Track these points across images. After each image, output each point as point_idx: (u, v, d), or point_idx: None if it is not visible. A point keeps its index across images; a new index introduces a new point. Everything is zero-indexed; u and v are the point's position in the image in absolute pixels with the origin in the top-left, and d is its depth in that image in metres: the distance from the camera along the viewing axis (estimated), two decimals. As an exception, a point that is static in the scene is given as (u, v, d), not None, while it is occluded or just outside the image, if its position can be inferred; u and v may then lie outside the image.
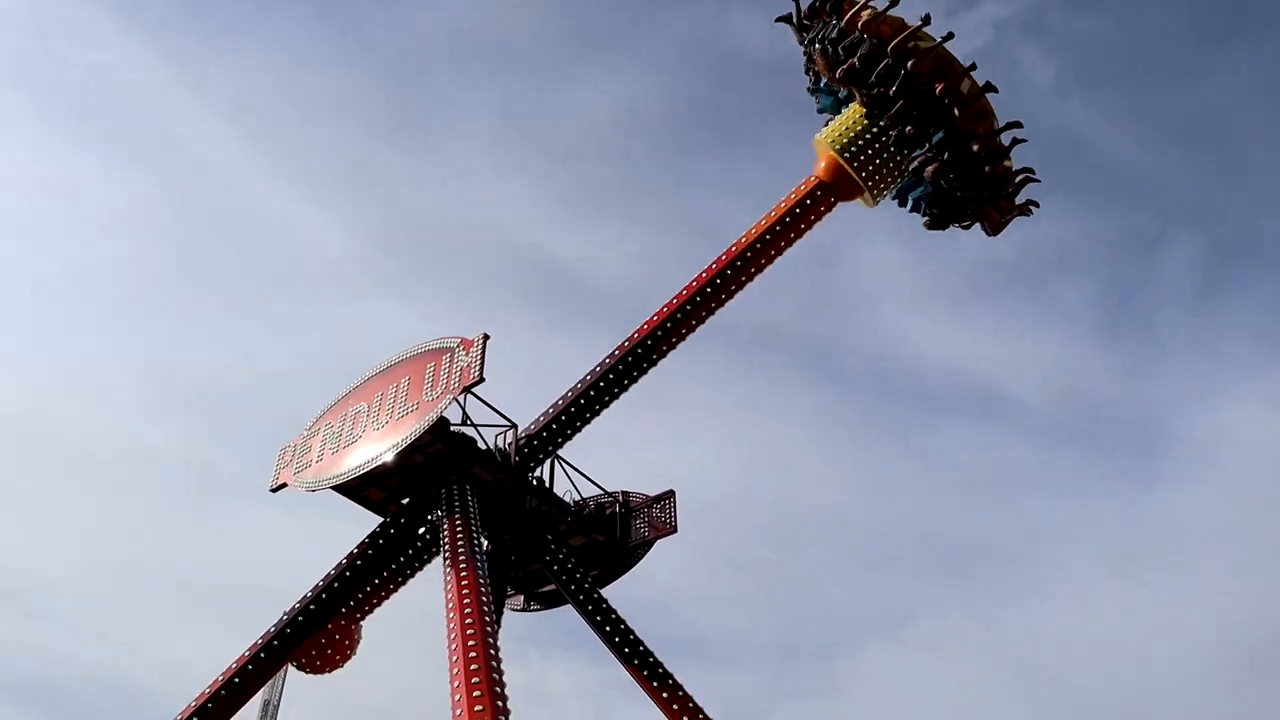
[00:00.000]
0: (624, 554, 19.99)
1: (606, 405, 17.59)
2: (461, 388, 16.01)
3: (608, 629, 16.68)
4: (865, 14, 16.44)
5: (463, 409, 17.58)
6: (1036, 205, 18.18)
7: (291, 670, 18.01)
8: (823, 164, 17.57)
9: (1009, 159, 17.22)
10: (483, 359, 15.96)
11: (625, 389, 17.53)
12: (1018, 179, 17.59)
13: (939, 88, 15.97)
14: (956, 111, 16.14)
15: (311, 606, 15.91)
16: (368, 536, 16.91)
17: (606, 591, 18.07)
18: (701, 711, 15.63)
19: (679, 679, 15.96)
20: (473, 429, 17.63)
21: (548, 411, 17.75)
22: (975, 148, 16.32)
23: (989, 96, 16.57)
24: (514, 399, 18.39)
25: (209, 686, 15.26)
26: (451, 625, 12.48)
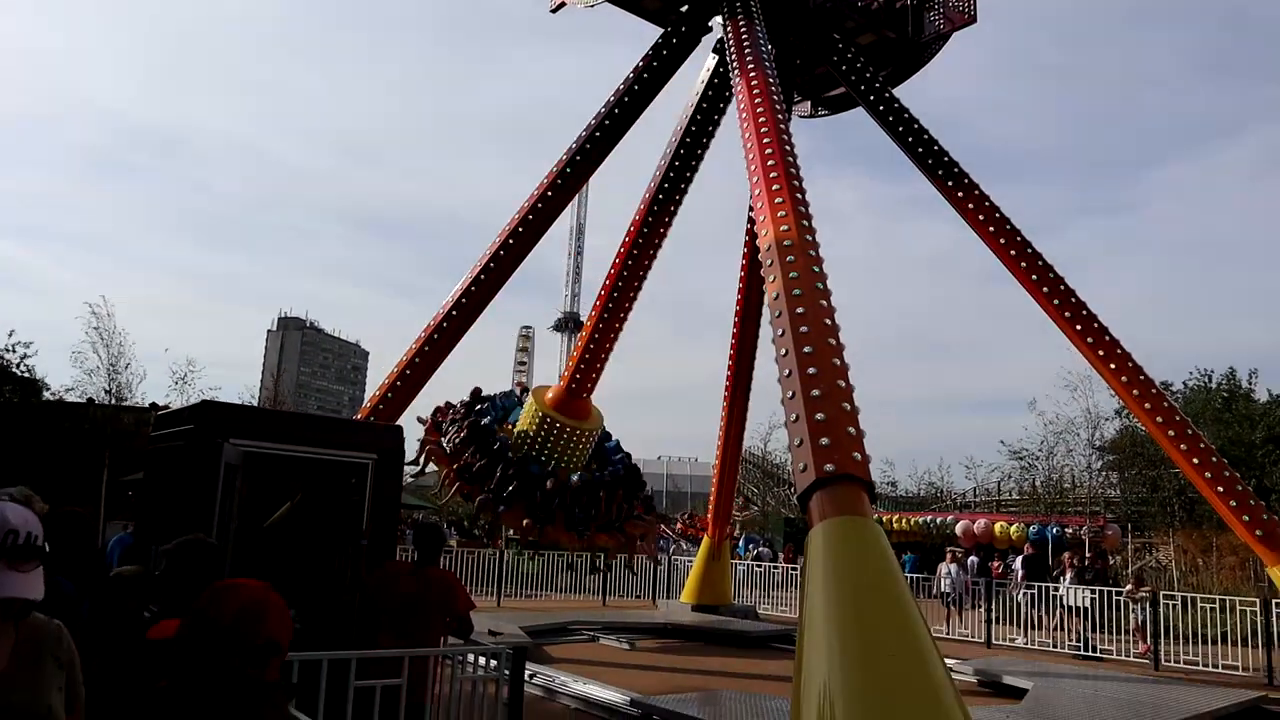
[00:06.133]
0: (916, 50, 18.57)
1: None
2: None
3: (900, 129, 16.14)
4: None
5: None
6: None
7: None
8: None
9: None
10: None
11: None
12: None
13: None
14: None
15: (606, 121, 16.43)
16: (650, 49, 16.71)
17: (897, 91, 17.20)
18: (1009, 222, 15.32)
19: (983, 189, 15.52)
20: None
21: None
22: None
23: None
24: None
25: (518, 212, 16.34)
26: (746, 132, 12.40)
